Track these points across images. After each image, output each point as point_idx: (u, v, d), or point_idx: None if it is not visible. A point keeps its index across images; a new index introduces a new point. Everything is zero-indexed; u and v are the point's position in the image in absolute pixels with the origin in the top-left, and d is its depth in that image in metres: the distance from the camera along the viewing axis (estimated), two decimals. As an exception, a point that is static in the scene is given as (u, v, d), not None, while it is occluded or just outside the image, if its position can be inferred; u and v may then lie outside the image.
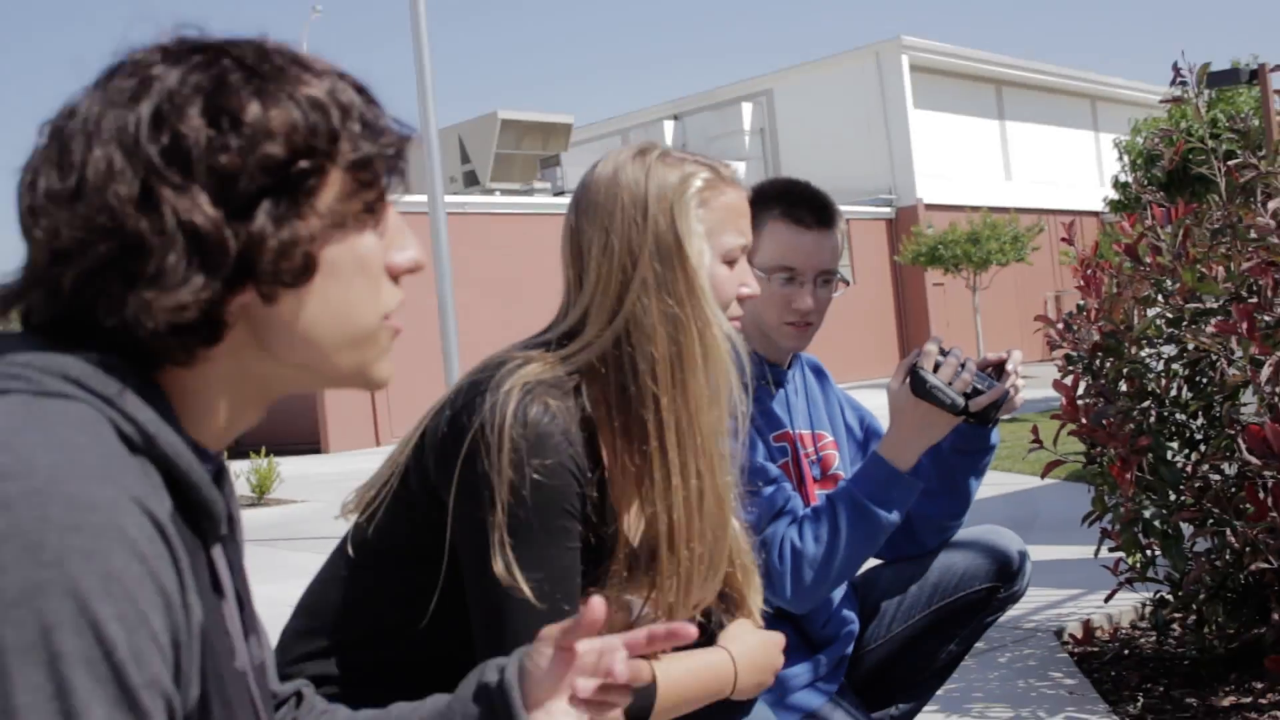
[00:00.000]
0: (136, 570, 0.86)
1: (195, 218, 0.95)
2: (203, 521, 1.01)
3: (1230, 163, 3.46)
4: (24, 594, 0.82)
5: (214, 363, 1.01)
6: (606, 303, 1.72)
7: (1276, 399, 2.53)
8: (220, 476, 1.09)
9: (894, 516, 2.41)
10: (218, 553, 1.07)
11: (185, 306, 0.95)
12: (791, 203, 2.55)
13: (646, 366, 1.69)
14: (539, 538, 1.62)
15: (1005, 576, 2.66)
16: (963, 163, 32.27)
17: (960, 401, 2.37)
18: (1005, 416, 2.49)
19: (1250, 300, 2.72)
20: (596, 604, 1.22)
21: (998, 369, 2.47)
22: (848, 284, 2.65)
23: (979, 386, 2.39)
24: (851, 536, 2.38)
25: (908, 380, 2.41)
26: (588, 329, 1.72)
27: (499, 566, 1.59)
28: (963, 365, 2.40)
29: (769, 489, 2.41)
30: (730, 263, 1.82)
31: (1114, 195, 19.65)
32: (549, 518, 1.63)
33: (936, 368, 2.40)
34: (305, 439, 21.07)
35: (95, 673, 0.83)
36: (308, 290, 1.02)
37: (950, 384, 2.38)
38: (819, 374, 2.81)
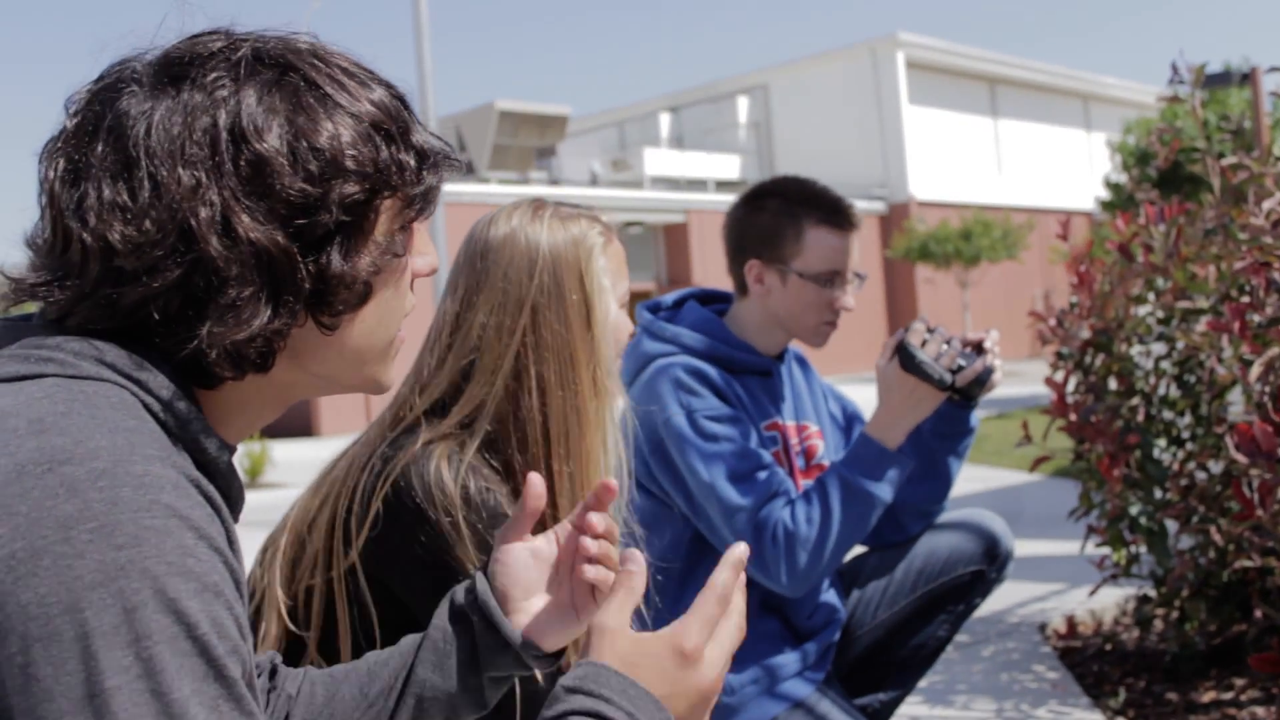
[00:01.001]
0: (205, 547, 0.87)
1: (271, 248, 0.94)
2: (223, 511, 1.02)
3: (1224, 163, 3.47)
4: (104, 576, 0.82)
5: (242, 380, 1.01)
6: (506, 367, 1.74)
7: (1265, 398, 2.54)
8: (233, 472, 1.11)
9: (885, 494, 2.44)
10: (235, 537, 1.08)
11: (253, 339, 0.95)
12: (829, 209, 2.60)
13: (550, 427, 1.74)
14: None
15: (990, 558, 2.67)
16: (956, 159, 32.28)
17: (947, 376, 2.43)
18: (987, 395, 2.54)
19: (1242, 299, 2.73)
20: (535, 481, 1.32)
21: (977, 348, 2.53)
22: (863, 279, 2.69)
23: (962, 363, 2.45)
24: (844, 516, 2.40)
25: (896, 357, 2.46)
26: (486, 397, 1.75)
27: None
28: (947, 342, 2.46)
29: (762, 474, 2.42)
30: (623, 306, 1.88)
31: (1105, 195, 19.67)
32: None
33: (923, 344, 2.45)
34: (297, 423, 21.05)
35: (180, 649, 0.83)
36: (353, 314, 1.03)
37: (937, 359, 2.44)
38: (802, 364, 2.83)
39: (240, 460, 11.70)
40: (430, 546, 1.64)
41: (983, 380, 2.48)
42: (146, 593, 0.82)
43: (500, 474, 1.75)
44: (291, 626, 1.74)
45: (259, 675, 1.34)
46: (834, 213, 2.60)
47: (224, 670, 0.85)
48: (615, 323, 1.84)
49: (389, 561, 1.67)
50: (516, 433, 1.75)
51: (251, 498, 10.67)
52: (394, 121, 1.02)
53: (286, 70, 0.98)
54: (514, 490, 1.75)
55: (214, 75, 0.96)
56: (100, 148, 0.95)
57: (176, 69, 0.97)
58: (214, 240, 0.92)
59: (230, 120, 0.94)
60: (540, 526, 1.77)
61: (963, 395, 2.50)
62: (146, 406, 0.94)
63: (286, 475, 12.18)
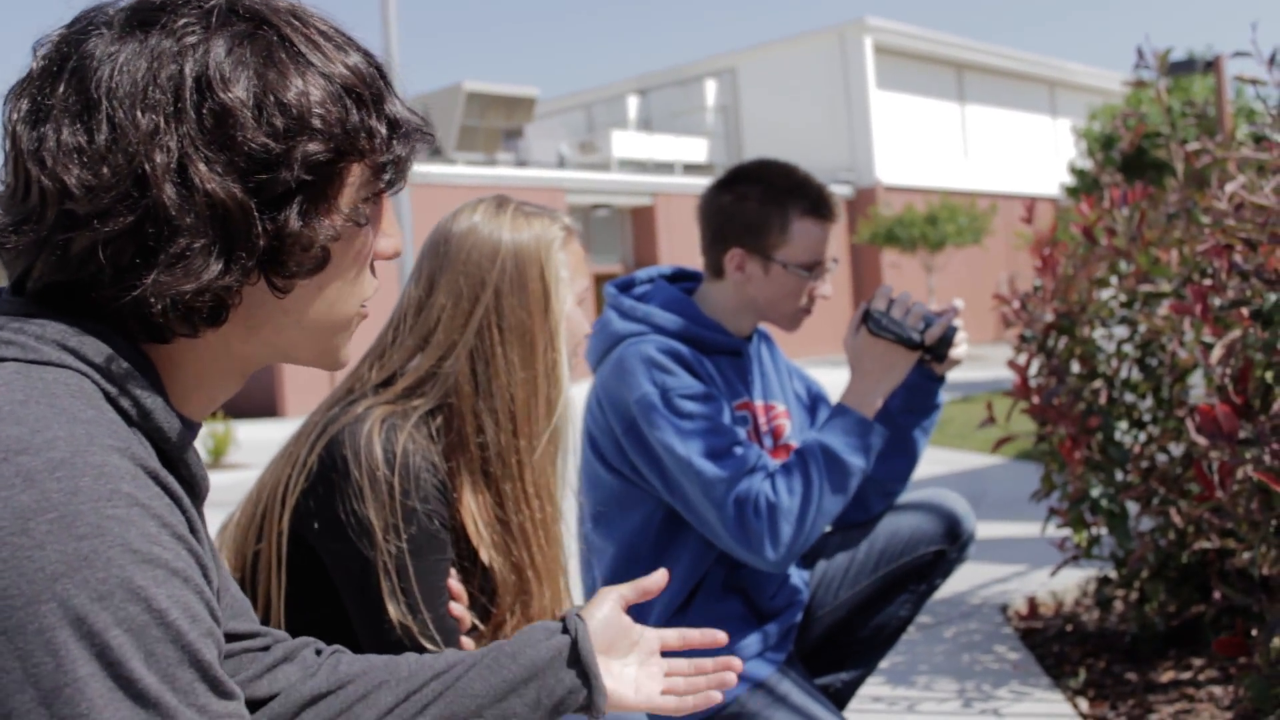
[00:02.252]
0: (168, 535, 0.86)
1: (227, 200, 0.92)
2: (188, 495, 1.00)
3: (1188, 147, 3.49)
4: (67, 568, 0.80)
5: (200, 340, 0.99)
6: (463, 346, 1.80)
7: (1226, 380, 2.56)
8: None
9: (863, 462, 2.45)
10: (204, 517, 1.06)
11: (201, 292, 0.93)
12: (815, 200, 2.61)
13: (506, 407, 1.79)
14: (424, 572, 1.70)
15: (952, 538, 2.69)
16: (922, 144, 32.39)
17: (915, 335, 2.47)
18: (957, 364, 2.58)
19: (1204, 282, 2.75)
20: (660, 577, 1.42)
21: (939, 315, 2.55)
22: (836, 263, 2.72)
23: (929, 321, 2.49)
24: (825, 486, 2.41)
25: (863, 325, 2.49)
26: (439, 371, 1.80)
27: (394, 612, 1.67)
28: (910, 307, 2.49)
29: (740, 449, 2.43)
30: (580, 303, 1.94)
31: (1071, 181, 19.78)
32: (429, 550, 1.71)
33: (888, 309, 2.49)
34: (262, 403, 20.93)
35: (151, 636, 0.82)
36: (310, 280, 1.01)
37: (903, 320, 2.47)
38: (767, 342, 2.83)
39: (204, 441, 11.63)
40: (348, 505, 1.67)
41: (949, 338, 2.51)
42: (113, 582, 0.81)
43: (443, 448, 1.79)
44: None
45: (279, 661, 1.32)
46: (819, 203, 2.61)
47: (199, 655, 0.84)
48: (571, 317, 1.89)
49: (312, 519, 1.70)
50: (487, 411, 1.79)
51: (215, 478, 10.62)
52: (367, 86, 1.00)
53: (261, 24, 0.96)
54: (468, 465, 1.79)
55: (184, 21, 0.94)
56: (62, 89, 0.93)
57: (147, 14, 0.95)
58: (168, 187, 0.90)
59: (197, 68, 0.92)
60: (497, 495, 1.80)
61: (932, 354, 2.52)
62: (107, 395, 0.92)
63: (250, 456, 12.11)
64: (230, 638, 1.24)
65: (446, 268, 1.84)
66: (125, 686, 0.80)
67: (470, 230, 1.85)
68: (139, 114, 0.90)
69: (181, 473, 0.98)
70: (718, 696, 1.42)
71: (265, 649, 1.30)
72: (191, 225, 0.91)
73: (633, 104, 32.97)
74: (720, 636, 1.45)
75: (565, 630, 1.34)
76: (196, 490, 1.01)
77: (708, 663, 1.45)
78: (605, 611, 1.39)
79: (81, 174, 0.90)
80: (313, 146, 0.94)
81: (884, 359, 2.48)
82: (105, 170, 0.90)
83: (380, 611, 1.68)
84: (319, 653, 1.34)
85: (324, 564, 1.73)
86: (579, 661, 1.31)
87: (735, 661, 1.45)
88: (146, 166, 0.90)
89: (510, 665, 1.29)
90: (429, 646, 1.67)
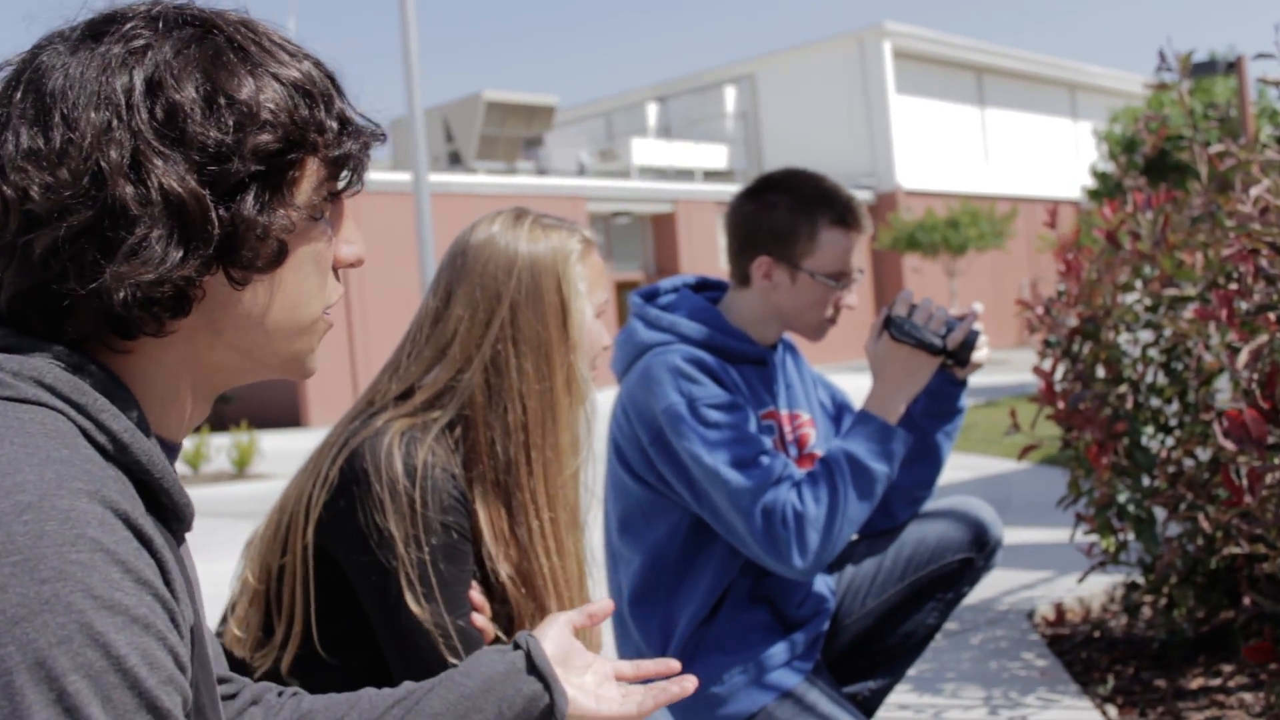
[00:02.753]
0: (130, 581, 0.86)
1: (183, 193, 0.94)
2: (172, 523, 1.00)
3: (1211, 150, 3.47)
4: (27, 611, 0.80)
5: (168, 349, 1.00)
6: (480, 359, 1.81)
7: (1253, 385, 2.54)
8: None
9: (889, 468, 2.45)
10: (185, 551, 1.06)
11: (162, 282, 0.94)
12: (843, 209, 2.61)
13: (518, 419, 1.80)
14: (446, 582, 1.71)
15: (979, 546, 2.68)
16: (943, 149, 32.32)
17: (937, 340, 2.46)
18: (979, 368, 2.56)
19: (1230, 287, 2.73)
20: (608, 605, 1.44)
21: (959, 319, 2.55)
22: (862, 273, 2.71)
23: (951, 326, 2.49)
24: (851, 494, 2.41)
25: (885, 331, 2.49)
26: (457, 384, 1.81)
27: (420, 614, 1.68)
28: (932, 312, 2.49)
29: (767, 458, 2.43)
30: (599, 315, 1.94)
31: (1092, 184, 19.70)
32: (450, 561, 1.72)
33: (909, 314, 2.48)
34: (286, 414, 21.02)
35: (108, 683, 0.82)
36: (270, 277, 1.02)
37: (925, 325, 2.47)
38: (792, 352, 2.83)
39: (229, 451, 11.68)
40: (370, 517, 1.68)
41: (971, 343, 2.50)
42: (72, 627, 0.81)
43: (462, 458, 1.80)
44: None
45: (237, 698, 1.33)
46: (848, 213, 2.61)
47: (156, 702, 0.84)
48: (590, 329, 1.89)
49: (334, 531, 1.72)
50: (498, 423, 1.80)
51: (239, 489, 10.67)
52: (317, 87, 1.02)
53: (209, 30, 0.99)
54: (480, 477, 1.80)
55: (132, 27, 0.97)
56: (19, 97, 0.96)
57: (99, 27, 0.98)
58: (124, 183, 0.92)
59: (147, 70, 0.95)
60: (507, 506, 1.81)
61: (955, 359, 2.51)
62: (84, 431, 0.93)
63: (275, 466, 12.16)
64: None
65: (463, 279, 1.85)
66: None
67: (487, 242, 1.85)
68: (92, 113, 0.93)
69: (163, 501, 0.98)
70: (690, 685, 1.42)
71: (233, 695, 1.32)
72: (149, 218, 0.93)
73: (652, 111, 33.02)
74: (674, 665, 1.48)
75: (518, 646, 1.36)
76: (181, 516, 1.01)
77: (648, 664, 1.47)
78: (556, 631, 1.41)
79: (40, 175, 0.92)
80: (264, 137, 0.97)
81: (906, 365, 2.48)
82: (63, 170, 0.92)
83: (403, 617, 1.68)
84: (280, 694, 1.36)
85: (347, 576, 1.74)
86: (536, 669, 1.33)
87: (673, 664, 1.48)
88: (102, 163, 0.92)
89: (465, 681, 1.31)
90: (451, 657, 1.68)
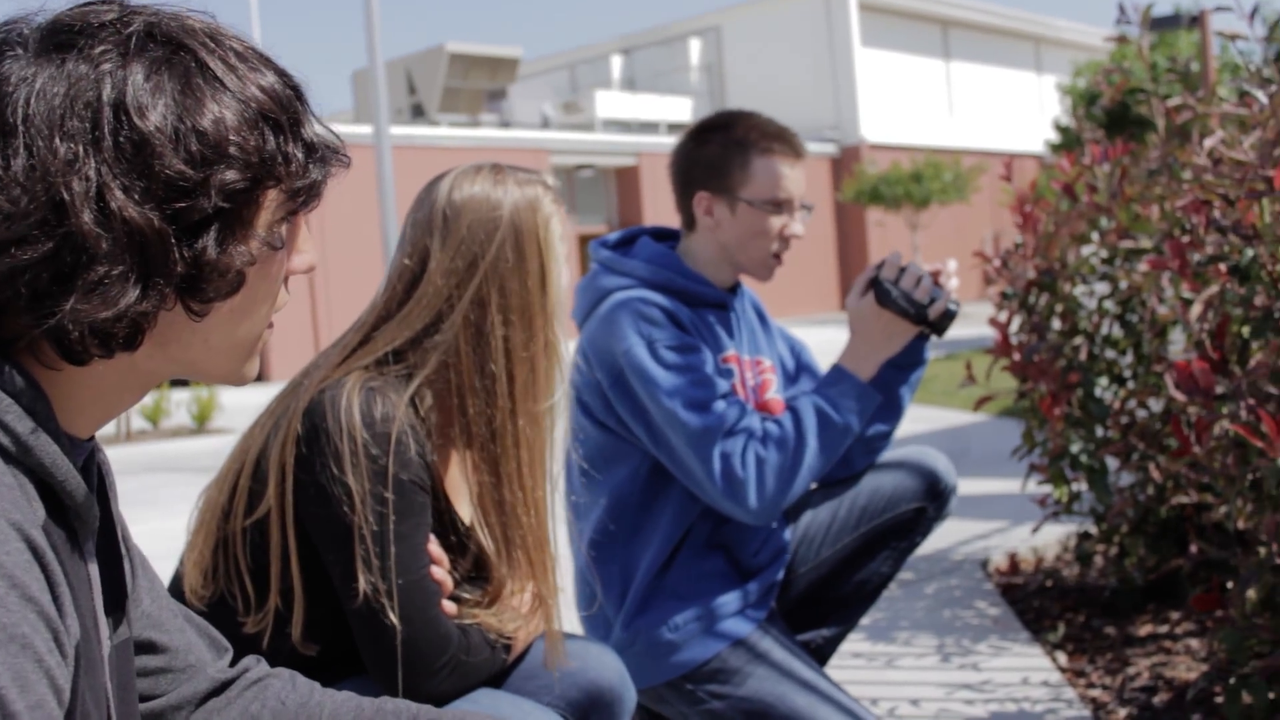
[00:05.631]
0: (16, 597, 0.84)
1: (146, 229, 0.92)
2: (75, 525, 0.99)
3: (1169, 103, 3.48)
4: None
5: (106, 363, 0.98)
6: (457, 318, 1.79)
7: (1204, 336, 2.56)
8: (91, 458, 1.06)
9: (856, 425, 2.47)
10: (89, 550, 1.04)
11: (118, 319, 0.92)
12: (774, 137, 2.63)
13: (504, 386, 1.79)
14: (403, 535, 1.69)
15: (933, 495, 2.70)
16: (907, 102, 32.26)
17: (924, 310, 2.47)
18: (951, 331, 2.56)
19: (1183, 238, 2.75)
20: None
21: (934, 277, 2.56)
22: (810, 209, 2.72)
23: (935, 296, 2.49)
24: (816, 445, 2.42)
25: (871, 292, 2.50)
26: (431, 338, 1.79)
27: (363, 582, 1.66)
28: (919, 279, 2.49)
29: (726, 401, 2.43)
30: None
31: (1055, 138, 19.75)
32: (408, 513, 1.70)
33: (897, 280, 2.49)
34: (244, 367, 20.87)
35: None
36: (225, 302, 1.01)
37: (911, 294, 2.47)
38: (756, 305, 2.83)
39: (189, 406, 11.60)
40: (329, 470, 1.66)
41: (952, 313, 2.52)
42: None
43: (436, 423, 1.79)
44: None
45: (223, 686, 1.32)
46: (779, 140, 2.63)
47: None
48: (566, 288, 1.88)
49: (297, 489, 1.69)
50: (484, 390, 1.79)
51: (199, 444, 10.62)
52: (284, 111, 1.00)
53: (178, 49, 0.96)
54: (460, 439, 1.80)
55: (101, 48, 0.93)
56: None
57: (64, 36, 0.94)
58: (86, 215, 0.90)
59: (115, 95, 0.92)
60: (494, 478, 1.80)
61: (934, 329, 2.53)
62: None
63: (235, 420, 12.10)
64: (142, 648, 1.23)
65: (443, 239, 1.81)
66: None
67: (468, 202, 1.82)
68: (57, 142, 0.90)
69: (66, 504, 0.97)
70: None
71: (183, 669, 1.29)
72: (109, 252, 0.91)
73: (617, 64, 32.78)
74: None
75: None
76: (83, 519, 1.00)
77: None
78: None
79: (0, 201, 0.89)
80: (230, 175, 0.95)
81: (887, 328, 2.50)
82: (23, 197, 0.89)
83: (358, 580, 1.67)
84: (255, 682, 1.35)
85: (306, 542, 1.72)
86: None
87: None
88: (65, 194, 0.89)
89: None
90: (390, 617, 1.66)
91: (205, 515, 1.79)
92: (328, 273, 20.94)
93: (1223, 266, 2.54)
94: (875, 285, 2.50)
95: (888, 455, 2.78)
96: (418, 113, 27.79)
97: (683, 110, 30.66)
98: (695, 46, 32.77)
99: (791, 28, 31.72)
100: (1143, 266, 3.18)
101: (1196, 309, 2.60)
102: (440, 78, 26.95)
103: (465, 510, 1.85)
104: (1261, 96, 2.64)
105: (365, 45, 13.28)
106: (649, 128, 29.24)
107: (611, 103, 28.99)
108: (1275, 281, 2.45)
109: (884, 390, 2.62)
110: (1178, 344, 3.29)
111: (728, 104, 31.45)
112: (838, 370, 2.51)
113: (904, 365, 2.66)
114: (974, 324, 13.59)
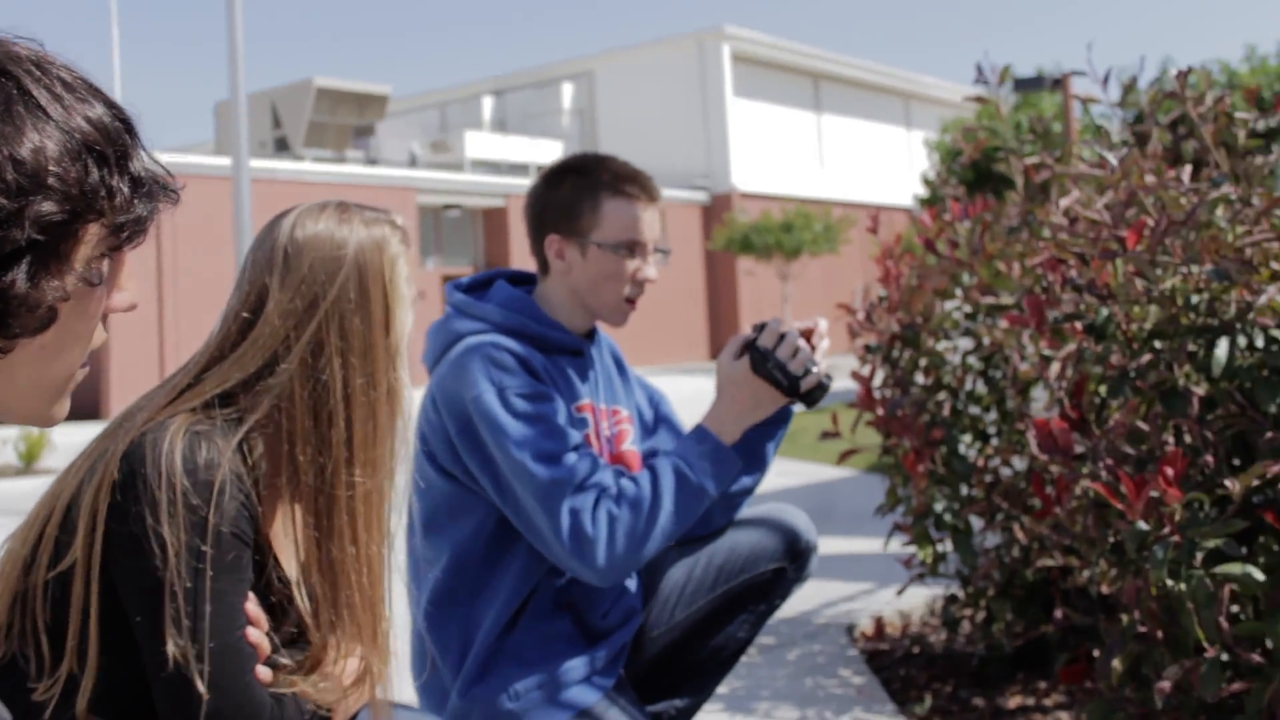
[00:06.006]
0: None
1: None
2: None
3: (1027, 161, 3.50)
4: None
5: None
6: (293, 363, 1.68)
7: (1064, 394, 2.52)
8: None
9: (715, 490, 2.40)
10: None
11: None
12: (627, 179, 2.58)
13: (340, 434, 1.68)
14: (219, 594, 1.56)
15: (793, 555, 2.63)
16: (779, 153, 32.77)
17: (797, 383, 2.42)
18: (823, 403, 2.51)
19: (1041, 295, 2.72)
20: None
21: (806, 336, 2.50)
22: (667, 254, 2.66)
23: (810, 368, 2.43)
24: (671, 507, 2.34)
25: (746, 355, 2.44)
26: (264, 381, 1.68)
27: (172, 646, 1.51)
28: (797, 349, 2.42)
29: (578, 454, 2.34)
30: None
31: (923, 192, 20.17)
32: (226, 570, 1.57)
33: (775, 348, 2.42)
34: (83, 403, 20.13)
35: None
36: (33, 339, 0.95)
37: (787, 364, 2.41)
38: (615, 353, 2.75)
39: (15, 444, 11.07)
40: (145, 519, 1.51)
41: (825, 387, 2.46)
42: None
43: (265, 473, 1.66)
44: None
45: None
46: (632, 182, 2.57)
47: None
48: (411, 331, 1.79)
49: (107, 540, 1.54)
50: (315, 435, 1.67)
51: (26, 485, 10.15)
52: (110, 143, 0.95)
53: (2, 75, 0.91)
54: (287, 489, 1.68)
55: None
56: None
57: None
58: None
59: None
60: (323, 533, 1.67)
61: (804, 401, 2.47)
62: None
63: (67, 460, 11.60)
64: None
65: (281, 280, 1.70)
66: None
67: (311, 241, 1.71)
68: None
69: None
70: None
71: None
72: None
73: (488, 104, 32.74)
74: None
75: None
76: None
77: None
78: None
79: None
80: (47, 206, 0.91)
81: (757, 395, 2.45)
82: None
83: (164, 641, 1.51)
84: None
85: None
86: None
87: None
88: None
89: None
90: (199, 685, 1.50)
91: (5, 567, 1.62)
92: (178, 308, 20.36)
93: (1079, 325, 2.52)
94: (751, 349, 2.43)
95: (747, 512, 2.71)
96: (281, 146, 27.43)
97: (554, 153, 30.71)
98: (568, 90, 32.91)
99: (665, 75, 32.04)
100: (1004, 323, 3.16)
101: (1055, 367, 2.60)
102: (306, 112, 26.66)
103: (292, 567, 1.72)
104: (1113, 159, 2.64)
105: (229, 75, 12.97)
106: (519, 170, 29.22)
107: (481, 143, 28.93)
108: (1130, 341, 2.43)
109: (748, 446, 2.55)
110: (1040, 401, 3.26)
111: (599, 148, 31.45)
112: (700, 431, 2.44)
113: (769, 421, 2.59)
114: (839, 377, 13.72)
